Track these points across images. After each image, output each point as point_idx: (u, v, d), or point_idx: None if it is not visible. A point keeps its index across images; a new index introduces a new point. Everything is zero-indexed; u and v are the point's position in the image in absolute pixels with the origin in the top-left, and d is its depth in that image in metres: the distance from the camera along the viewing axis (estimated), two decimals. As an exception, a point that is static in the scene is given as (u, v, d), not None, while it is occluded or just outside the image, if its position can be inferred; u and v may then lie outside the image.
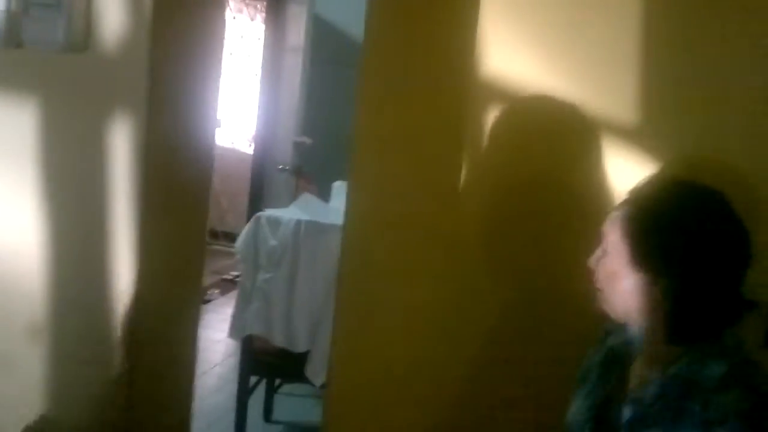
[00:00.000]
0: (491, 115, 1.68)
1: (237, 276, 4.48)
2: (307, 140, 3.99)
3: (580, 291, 1.29)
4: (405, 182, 1.77)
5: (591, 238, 1.24)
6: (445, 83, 1.71)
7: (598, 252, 1.20)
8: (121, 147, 0.83)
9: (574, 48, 1.61)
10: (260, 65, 5.09)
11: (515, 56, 1.63)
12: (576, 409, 1.27)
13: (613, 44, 1.59)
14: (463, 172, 1.73)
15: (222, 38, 1.24)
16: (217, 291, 4.71)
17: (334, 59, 4.23)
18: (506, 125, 1.68)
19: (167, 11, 0.82)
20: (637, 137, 1.59)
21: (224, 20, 1.28)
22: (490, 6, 1.62)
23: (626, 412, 1.13)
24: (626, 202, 1.18)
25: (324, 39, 4.32)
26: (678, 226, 1.11)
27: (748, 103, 1.53)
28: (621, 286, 1.16)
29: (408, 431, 1.86)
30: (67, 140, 0.82)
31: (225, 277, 5.02)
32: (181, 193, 1.08)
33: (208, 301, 4.38)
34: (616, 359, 1.26)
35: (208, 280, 4.68)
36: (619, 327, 1.23)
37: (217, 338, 4.20)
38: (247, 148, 6.47)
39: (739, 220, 1.11)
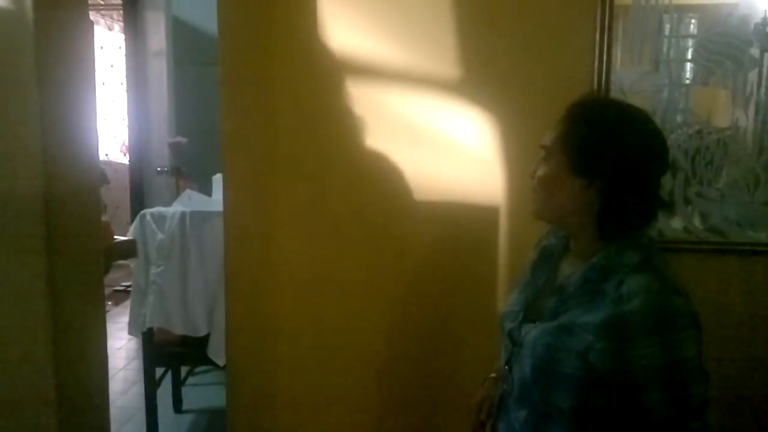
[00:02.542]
0: (343, 92, 1.89)
1: (128, 286, 4.51)
2: (182, 140, 4.05)
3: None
4: (273, 165, 1.95)
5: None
6: (295, 65, 1.91)
7: (538, 163, 1.32)
8: (18, 158, 1.00)
9: (400, 22, 1.85)
10: (125, 74, 5.09)
11: (355, 34, 1.86)
12: (511, 301, 1.42)
13: (433, 17, 1.84)
14: (326, 150, 1.93)
15: (92, 49, 1.36)
16: (110, 302, 4.71)
17: (197, 59, 4.29)
18: (355, 102, 1.90)
19: (44, 22, 0.98)
20: (457, 93, 1.85)
21: (93, 33, 1.38)
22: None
23: (552, 299, 1.29)
24: (565, 117, 1.30)
25: (185, 40, 4.36)
26: (611, 135, 1.25)
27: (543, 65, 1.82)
28: (558, 190, 1.28)
29: (305, 398, 2.07)
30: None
31: (117, 288, 5.02)
32: (77, 212, 1.22)
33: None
34: (549, 257, 1.40)
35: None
36: (552, 229, 1.41)
37: (117, 346, 4.23)
38: (122, 157, 6.41)
39: (659, 131, 1.29)
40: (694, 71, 1.87)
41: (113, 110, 6.67)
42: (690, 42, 1.90)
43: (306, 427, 2.07)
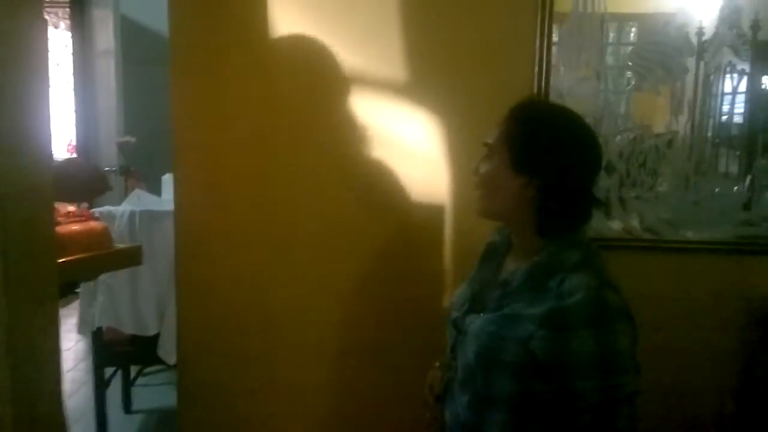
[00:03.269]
0: (293, 91, 1.94)
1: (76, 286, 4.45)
2: (131, 139, 4.04)
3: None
4: (224, 162, 1.99)
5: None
6: (246, 62, 1.95)
7: (480, 160, 1.39)
8: None
9: (350, 25, 1.91)
10: (72, 72, 5.02)
11: (305, 34, 1.91)
12: (457, 293, 1.50)
13: (381, 21, 1.90)
14: (276, 148, 1.97)
15: (46, 46, 1.37)
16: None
17: (146, 58, 4.27)
18: (305, 101, 1.95)
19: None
20: (405, 95, 1.92)
21: (46, 27, 1.39)
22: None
23: (496, 293, 1.36)
24: (507, 117, 1.36)
25: (134, 39, 4.34)
26: (549, 136, 1.32)
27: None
28: (499, 187, 1.34)
29: (256, 393, 2.11)
30: None
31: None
32: (30, 212, 1.24)
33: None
34: (494, 253, 1.47)
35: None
36: (498, 227, 1.48)
37: (66, 347, 4.17)
38: (68, 156, 6.30)
39: (593, 133, 1.36)
40: (630, 78, 1.97)
41: (59, 109, 6.54)
42: (629, 49, 1.99)
43: (257, 422, 2.10)
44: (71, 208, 1.53)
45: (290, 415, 2.08)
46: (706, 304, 1.98)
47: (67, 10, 5.14)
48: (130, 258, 1.72)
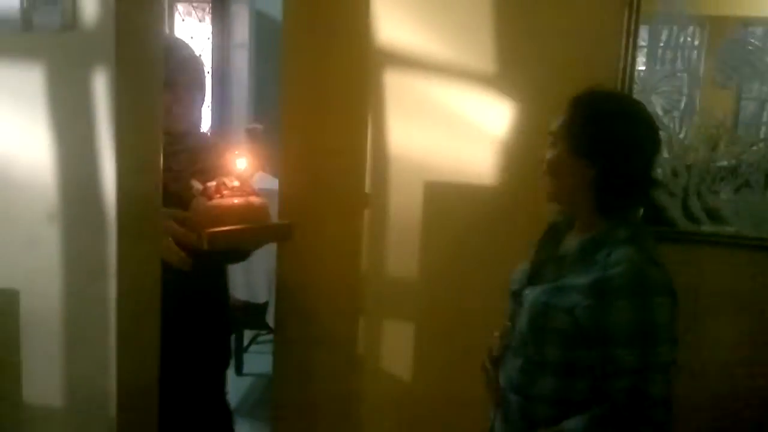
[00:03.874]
0: (390, 83, 2.11)
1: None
2: (258, 126, 4.38)
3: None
4: (324, 145, 2.19)
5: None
6: (351, 56, 2.15)
7: (546, 148, 1.49)
8: (102, 103, 1.29)
9: (443, 21, 2.06)
10: (210, 62, 5.47)
11: (402, 30, 2.09)
12: (519, 269, 1.62)
13: (473, 12, 2.04)
14: (373, 139, 2.16)
15: (160, 36, 1.59)
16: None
17: (276, 51, 4.59)
18: (400, 93, 2.12)
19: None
20: (492, 87, 2.05)
21: (163, 16, 1.62)
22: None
23: (553, 267, 1.50)
24: (568, 106, 1.49)
25: (266, 33, 4.68)
26: (607, 121, 1.44)
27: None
28: (564, 172, 1.45)
29: (347, 364, 2.30)
30: (66, 92, 1.28)
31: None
32: (145, 204, 1.47)
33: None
34: (555, 232, 1.59)
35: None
36: (560, 209, 1.59)
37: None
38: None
39: (651, 118, 1.48)
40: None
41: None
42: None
43: (347, 382, 2.30)
44: (236, 183, 1.67)
45: (377, 394, 2.26)
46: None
47: (211, 4, 5.61)
48: (281, 233, 1.82)
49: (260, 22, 4.74)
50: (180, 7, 6.78)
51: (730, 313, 2.01)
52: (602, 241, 1.42)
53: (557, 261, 1.50)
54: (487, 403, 1.63)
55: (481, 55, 2.05)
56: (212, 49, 5.39)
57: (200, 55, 1.86)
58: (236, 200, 1.65)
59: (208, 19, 7.08)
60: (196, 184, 1.69)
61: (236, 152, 1.70)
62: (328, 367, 2.31)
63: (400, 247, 2.20)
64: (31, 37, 1.29)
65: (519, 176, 2.05)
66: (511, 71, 2.05)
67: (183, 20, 7.09)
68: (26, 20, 1.26)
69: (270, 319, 3.32)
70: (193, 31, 7.23)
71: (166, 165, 1.76)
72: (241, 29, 4.89)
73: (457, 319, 2.14)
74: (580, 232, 1.50)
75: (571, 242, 1.51)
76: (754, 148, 2.01)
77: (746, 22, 2.03)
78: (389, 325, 2.27)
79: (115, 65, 1.28)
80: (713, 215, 1.99)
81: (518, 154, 2.05)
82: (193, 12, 7.23)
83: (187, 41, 2.00)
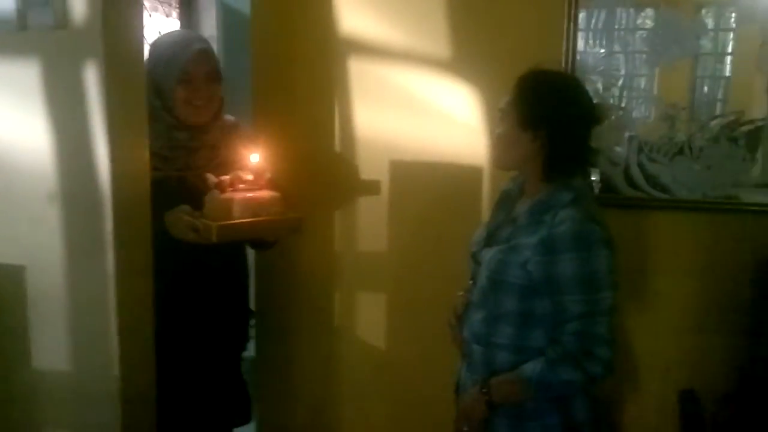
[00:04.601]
0: (352, 69, 2.28)
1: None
2: (230, 118, 4.49)
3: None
4: (298, 134, 2.33)
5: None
6: (318, 46, 2.31)
7: (496, 123, 1.66)
8: (93, 92, 1.44)
9: (403, 7, 2.23)
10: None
11: (362, 18, 2.26)
12: (477, 234, 1.80)
13: (428, 5, 2.22)
14: (338, 120, 2.32)
15: (141, 32, 1.73)
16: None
17: (244, 44, 4.69)
18: (362, 78, 2.29)
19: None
20: (448, 70, 2.23)
21: (142, 14, 1.73)
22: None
23: (508, 229, 1.68)
24: (515, 85, 1.63)
25: (234, 27, 4.74)
26: (548, 97, 1.61)
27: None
28: (512, 143, 1.62)
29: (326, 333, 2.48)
30: (60, 85, 1.43)
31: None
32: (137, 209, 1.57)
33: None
34: (508, 199, 1.76)
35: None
36: (513, 177, 1.77)
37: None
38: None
39: (587, 93, 1.67)
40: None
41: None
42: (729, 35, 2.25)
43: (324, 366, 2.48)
44: (250, 177, 1.74)
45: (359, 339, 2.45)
46: None
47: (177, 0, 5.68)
48: (291, 226, 1.85)
49: (227, 16, 4.82)
50: (147, 3, 6.85)
51: (674, 271, 2.23)
52: (548, 203, 1.60)
53: (511, 223, 1.69)
54: (453, 356, 1.82)
55: (438, 42, 2.23)
56: (180, 44, 5.46)
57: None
58: (249, 194, 1.73)
59: (175, 14, 7.15)
60: (211, 178, 1.76)
61: (250, 147, 1.79)
62: (308, 340, 2.49)
63: (370, 223, 2.37)
64: (26, 35, 1.44)
65: (475, 152, 2.23)
66: (466, 56, 2.23)
67: (150, 16, 7.15)
68: (21, 20, 1.40)
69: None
70: (160, 26, 7.30)
71: (185, 162, 1.88)
72: (209, 23, 4.97)
73: (424, 285, 2.33)
74: (529, 197, 1.68)
75: (522, 206, 1.70)
76: (712, 123, 2.20)
77: (674, 3, 2.23)
78: (364, 296, 2.45)
79: (103, 59, 1.44)
80: (652, 182, 2.20)
81: (474, 132, 2.23)
82: (160, 7, 7.30)
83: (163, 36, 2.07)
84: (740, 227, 2.17)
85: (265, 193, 1.76)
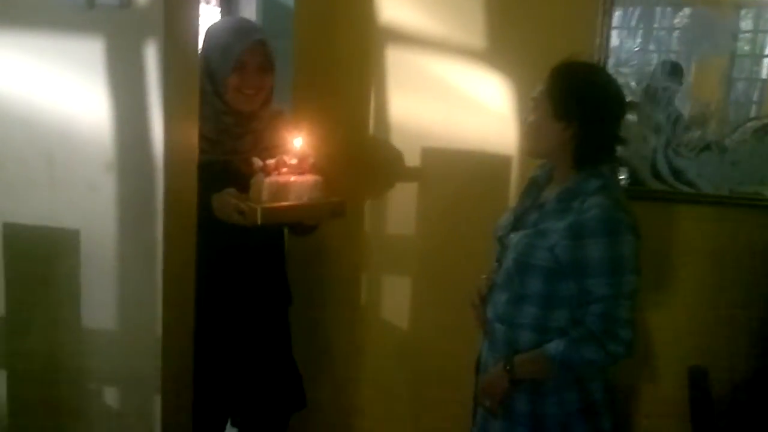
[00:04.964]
0: (392, 58, 2.38)
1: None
2: (276, 106, 4.56)
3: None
4: (335, 120, 2.39)
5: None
6: (358, 36, 2.41)
7: (528, 111, 1.75)
8: (152, 70, 1.55)
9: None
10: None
11: (403, 9, 2.35)
12: (503, 218, 1.86)
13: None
14: (373, 107, 2.41)
15: (198, 14, 1.81)
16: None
17: (284, 32, 4.79)
18: (401, 67, 2.39)
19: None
20: (483, 60, 2.32)
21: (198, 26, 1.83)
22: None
23: (534, 214, 1.74)
24: (548, 75, 1.71)
25: (273, 15, 4.84)
26: (582, 88, 1.70)
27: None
28: (544, 132, 1.70)
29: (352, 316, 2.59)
30: (122, 60, 1.55)
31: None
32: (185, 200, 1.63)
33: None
34: (536, 185, 1.84)
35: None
36: (541, 165, 1.85)
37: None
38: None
39: (618, 85, 1.75)
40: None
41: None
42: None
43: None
44: (294, 161, 1.80)
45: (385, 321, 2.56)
46: None
47: (217, -13, 5.80)
48: (335, 210, 1.90)
49: (267, 4, 4.92)
50: (187, -10, 7.00)
51: (696, 262, 2.30)
52: (577, 191, 1.68)
53: (538, 208, 1.77)
54: (475, 336, 1.91)
55: (474, 34, 2.32)
56: (219, 30, 5.57)
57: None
58: (292, 178, 1.79)
59: (214, 1, 7.32)
60: (257, 161, 1.81)
61: (294, 132, 1.85)
62: (334, 320, 2.59)
63: (400, 207, 2.47)
64: (93, 14, 1.55)
65: (505, 141, 2.32)
66: (500, 47, 2.31)
67: (190, 2, 7.32)
68: (89, 0, 1.52)
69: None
70: (201, 13, 7.47)
71: (232, 146, 1.96)
72: (249, 11, 5.08)
73: (450, 268, 2.42)
74: (557, 184, 1.76)
75: (550, 193, 1.78)
76: (747, 126, 2.27)
77: (713, 3, 2.29)
78: (391, 278, 2.55)
79: (162, 38, 1.55)
80: (678, 176, 2.27)
81: (506, 122, 2.32)
82: (200, -6, 7.48)
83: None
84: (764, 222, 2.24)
85: (308, 177, 1.82)
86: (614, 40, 2.26)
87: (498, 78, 2.32)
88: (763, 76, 2.37)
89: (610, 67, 2.22)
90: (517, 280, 1.72)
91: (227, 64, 1.91)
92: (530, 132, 1.77)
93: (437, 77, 2.36)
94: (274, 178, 1.78)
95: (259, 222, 1.73)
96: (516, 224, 1.81)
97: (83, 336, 1.69)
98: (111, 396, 1.73)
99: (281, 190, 1.78)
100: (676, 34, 2.32)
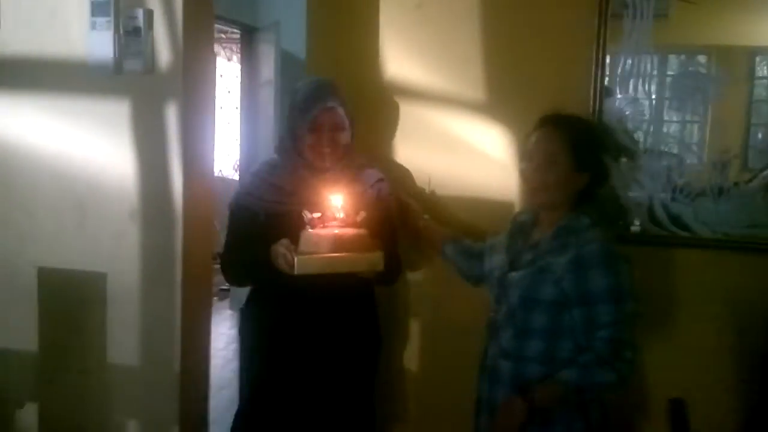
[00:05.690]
0: (396, 111, 2.54)
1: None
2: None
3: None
4: None
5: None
6: (365, 89, 2.58)
7: (537, 164, 1.87)
8: (172, 128, 1.74)
9: (439, 56, 2.51)
10: (239, 99, 5.95)
11: (405, 66, 2.53)
12: (497, 260, 1.98)
13: (466, 53, 2.49)
14: (384, 159, 2.59)
15: (214, 77, 2.03)
16: (216, 298, 5.52)
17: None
18: (405, 119, 2.55)
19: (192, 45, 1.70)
20: (482, 113, 2.48)
21: (215, 61, 2.07)
22: (385, 28, 2.53)
23: (529, 254, 1.88)
24: (557, 130, 1.86)
25: (291, 71, 5.07)
26: (597, 140, 1.92)
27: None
28: (569, 185, 1.85)
29: None
30: (146, 120, 1.74)
31: (221, 287, 5.76)
32: (200, 217, 1.79)
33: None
34: (523, 228, 1.99)
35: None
36: (524, 209, 2.03)
37: (220, 331, 5.01)
38: (234, 173, 7.33)
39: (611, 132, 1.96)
40: None
41: (228, 132, 7.62)
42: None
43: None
44: (341, 215, 1.89)
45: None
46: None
47: (239, 45, 6.10)
48: (372, 262, 1.96)
49: (285, 61, 5.13)
50: (210, 48, 7.35)
51: (695, 303, 2.41)
52: (571, 228, 1.85)
53: (532, 248, 1.91)
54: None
55: (474, 87, 2.48)
56: (240, 86, 5.86)
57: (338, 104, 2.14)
58: (336, 230, 1.89)
59: (236, 58, 7.67)
60: (306, 214, 1.92)
61: (332, 191, 1.97)
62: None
63: (408, 249, 2.60)
64: (120, 78, 1.76)
65: (507, 187, 2.46)
66: (499, 99, 2.47)
67: (213, 60, 7.68)
68: (117, 66, 1.73)
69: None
70: (222, 69, 7.82)
71: (307, 197, 2.05)
72: (267, 67, 5.31)
73: (455, 306, 2.53)
74: (546, 226, 1.91)
75: (541, 232, 1.92)
76: (765, 173, 2.38)
77: (696, 51, 2.45)
78: (404, 322, 2.66)
79: (183, 99, 1.75)
80: (675, 220, 2.39)
81: (505, 169, 2.46)
82: (222, 51, 7.83)
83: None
84: (759, 265, 2.35)
85: (350, 231, 1.91)
86: (608, 90, 2.41)
87: (497, 129, 2.47)
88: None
89: (605, 115, 2.36)
90: (520, 316, 1.85)
91: (304, 124, 2.09)
92: (554, 186, 1.87)
93: (441, 129, 2.52)
94: (316, 230, 1.89)
95: (295, 271, 1.83)
96: (512, 264, 1.94)
97: (108, 370, 1.85)
98: (133, 426, 1.88)
99: (323, 241, 1.86)
100: (663, 82, 2.47)
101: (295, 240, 1.91)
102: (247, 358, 2.10)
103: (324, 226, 1.89)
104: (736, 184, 2.36)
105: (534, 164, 1.89)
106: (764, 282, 2.35)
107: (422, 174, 2.55)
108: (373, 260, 1.94)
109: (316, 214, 1.90)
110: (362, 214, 1.96)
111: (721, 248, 2.38)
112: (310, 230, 1.88)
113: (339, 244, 1.87)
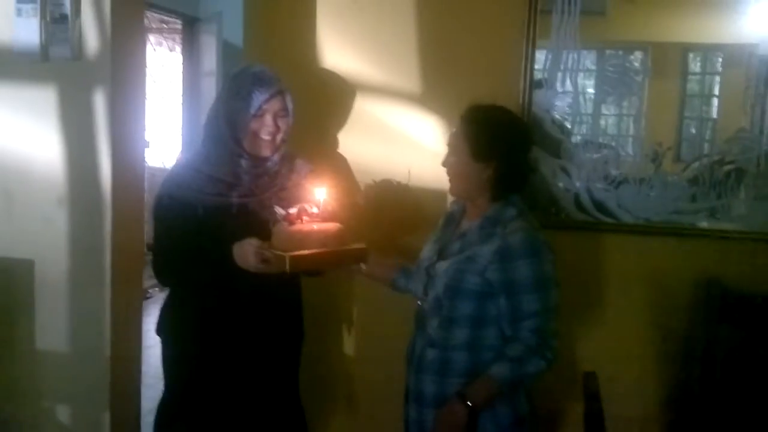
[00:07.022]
0: (333, 100, 2.62)
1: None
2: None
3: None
4: None
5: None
6: (304, 80, 2.63)
7: (447, 156, 1.94)
8: (101, 115, 1.77)
9: (376, 48, 2.59)
10: (181, 90, 5.95)
11: (343, 56, 2.60)
12: (426, 251, 2.03)
13: (402, 45, 2.57)
14: (322, 148, 2.65)
15: (144, 65, 2.01)
16: (156, 289, 5.51)
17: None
18: (342, 108, 2.63)
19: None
20: (418, 103, 2.58)
21: (145, 49, 2.04)
22: (322, 21, 2.60)
23: (457, 244, 1.91)
24: (462, 119, 1.91)
25: (233, 61, 5.11)
26: (498, 130, 1.89)
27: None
28: (464, 174, 1.90)
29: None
30: (74, 107, 1.77)
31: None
32: (129, 212, 1.80)
33: (148, 297, 5.19)
34: (452, 219, 2.03)
35: (146, 282, 5.48)
36: (455, 201, 2.05)
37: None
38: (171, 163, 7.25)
39: (525, 123, 2.01)
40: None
41: (172, 123, 7.55)
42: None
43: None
44: (315, 210, 1.87)
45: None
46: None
47: (181, 35, 6.09)
48: (357, 256, 1.98)
49: (227, 51, 5.16)
50: (151, 38, 7.30)
51: (617, 286, 2.55)
52: (496, 218, 1.90)
53: (460, 238, 1.97)
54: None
55: (409, 79, 2.57)
56: (182, 77, 5.85)
57: (286, 90, 2.10)
58: (315, 226, 1.88)
59: (178, 48, 7.62)
60: (279, 210, 1.90)
61: (315, 182, 1.97)
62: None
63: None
64: (47, 65, 1.79)
65: (439, 176, 2.53)
66: (434, 91, 2.56)
67: (155, 50, 7.61)
68: (44, 53, 1.76)
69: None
70: (164, 60, 7.76)
71: (249, 188, 2.07)
72: (209, 58, 5.33)
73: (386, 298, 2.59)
74: (474, 216, 1.97)
75: (469, 223, 1.98)
76: (695, 164, 2.51)
77: (633, 48, 2.57)
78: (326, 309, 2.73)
79: (111, 86, 1.79)
80: (599, 207, 2.52)
81: (439, 159, 2.55)
82: (164, 42, 7.77)
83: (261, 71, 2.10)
84: (680, 250, 2.49)
85: (331, 225, 1.92)
86: (537, 83, 2.53)
87: (429, 119, 2.56)
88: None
89: (534, 107, 2.48)
90: (446, 304, 1.89)
91: (247, 110, 2.01)
92: (451, 174, 1.96)
93: (377, 119, 2.60)
94: (298, 226, 1.86)
95: (288, 270, 1.81)
96: (441, 254, 2.00)
97: (38, 357, 1.88)
98: (64, 413, 1.91)
99: (305, 238, 1.86)
100: (589, 76, 2.60)
101: (248, 234, 1.91)
102: (171, 348, 2.05)
103: (301, 222, 1.88)
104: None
105: (444, 156, 1.98)
106: (684, 264, 2.50)
107: (358, 165, 2.63)
108: (359, 253, 1.98)
109: (292, 210, 1.89)
110: (330, 208, 1.96)
111: (643, 233, 2.51)
112: (290, 227, 1.86)
113: (326, 239, 1.88)
